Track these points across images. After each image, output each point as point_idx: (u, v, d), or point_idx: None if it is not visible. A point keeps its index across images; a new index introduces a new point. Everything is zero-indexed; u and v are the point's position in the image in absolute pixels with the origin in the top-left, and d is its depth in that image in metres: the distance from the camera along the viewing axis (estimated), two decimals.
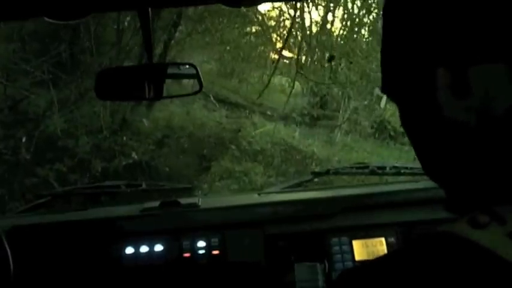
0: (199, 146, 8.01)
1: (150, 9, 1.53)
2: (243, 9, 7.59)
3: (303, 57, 10.37)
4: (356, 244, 1.93)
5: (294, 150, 8.14)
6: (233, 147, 7.88)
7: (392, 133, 8.64)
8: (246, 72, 11.86)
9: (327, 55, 8.90)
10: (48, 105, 7.11)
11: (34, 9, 1.45)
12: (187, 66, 1.80)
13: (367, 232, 1.94)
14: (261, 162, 7.71)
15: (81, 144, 6.90)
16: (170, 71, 1.76)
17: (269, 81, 7.87)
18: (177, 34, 8.34)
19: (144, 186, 2.20)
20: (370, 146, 9.10)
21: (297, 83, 10.73)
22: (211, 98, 9.14)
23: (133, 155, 7.14)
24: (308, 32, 9.53)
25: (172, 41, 8.34)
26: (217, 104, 9.44)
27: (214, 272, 1.93)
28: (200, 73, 1.71)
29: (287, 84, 11.63)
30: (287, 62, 10.76)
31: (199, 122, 8.66)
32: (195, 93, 1.82)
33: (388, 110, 8.80)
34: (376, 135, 9.28)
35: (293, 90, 11.21)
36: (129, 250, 1.92)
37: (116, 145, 7.24)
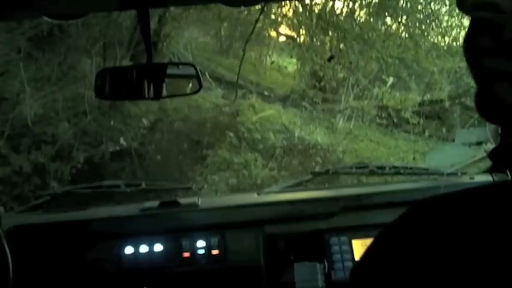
0: (194, 131, 7.74)
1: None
2: None
3: (303, 37, 10.21)
4: (356, 244, 1.99)
5: (296, 138, 7.95)
6: (231, 134, 7.59)
7: (395, 120, 8.58)
8: (243, 50, 11.63)
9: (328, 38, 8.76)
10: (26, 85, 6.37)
11: (34, 9, 1.50)
12: (187, 65, 1.86)
13: (366, 232, 2.00)
14: (261, 152, 7.47)
15: (62, 130, 6.40)
16: (170, 70, 1.81)
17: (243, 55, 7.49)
18: (172, 8, 7.88)
19: (143, 185, 2.26)
20: (374, 134, 9.02)
21: (295, 62, 10.63)
22: (207, 76, 8.85)
23: (122, 141, 6.85)
24: (307, 12, 9.40)
25: (167, 15, 8.12)
26: (213, 82, 9.17)
27: (214, 271, 1.99)
28: (200, 73, 1.77)
29: (285, 64, 11.53)
30: (285, 40, 10.61)
31: (194, 103, 8.32)
32: (195, 92, 1.87)
33: (390, 95, 8.71)
34: (379, 121, 9.18)
35: (291, 71, 11.11)
36: (129, 250, 1.99)
37: (103, 129, 6.80)
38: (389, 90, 8.61)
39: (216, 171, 6.93)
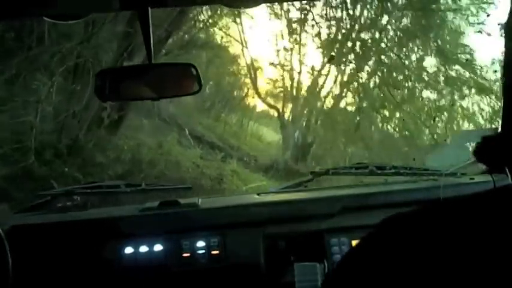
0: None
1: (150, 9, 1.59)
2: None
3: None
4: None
5: None
6: None
7: None
8: (224, 112, 11.67)
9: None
10: None
11: (34, 9, 1.54)
12: (187, 66, 1.87)
13: (366, 232, 2.01)
14: None
15: None
16: (170, 71, 1.83)
17: None
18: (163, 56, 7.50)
19: (143, 186, 2.29)
20: None
21: (277, 132, 10.75)
22: (187, 133, 8.84)
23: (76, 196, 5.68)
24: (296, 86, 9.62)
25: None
26: (192, 141, 8.94)
27: (214, 272, 2.03)
28: (200, 73, 1.79)
29: (266, 134, 11.63)
30: (268, 111, 10.95)
31: (173, 159, 7.73)
32: (195, 93, 1.89)
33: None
34: None
35: (273, 141, 11.21)
36: (129, 250, 2.02)
37: (54, 176, 5.32)
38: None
39: None
